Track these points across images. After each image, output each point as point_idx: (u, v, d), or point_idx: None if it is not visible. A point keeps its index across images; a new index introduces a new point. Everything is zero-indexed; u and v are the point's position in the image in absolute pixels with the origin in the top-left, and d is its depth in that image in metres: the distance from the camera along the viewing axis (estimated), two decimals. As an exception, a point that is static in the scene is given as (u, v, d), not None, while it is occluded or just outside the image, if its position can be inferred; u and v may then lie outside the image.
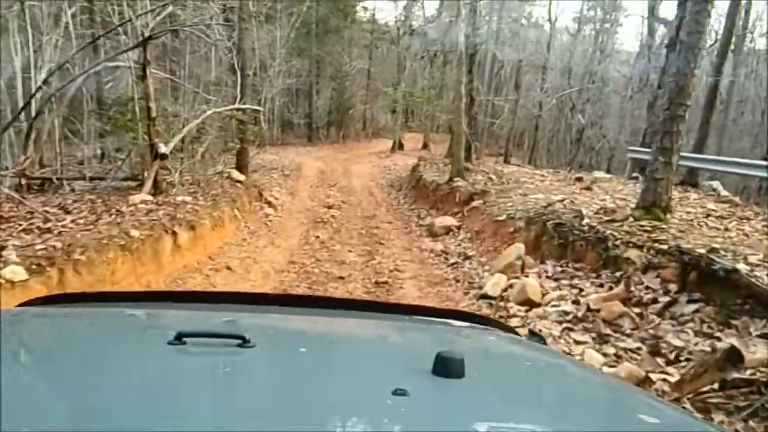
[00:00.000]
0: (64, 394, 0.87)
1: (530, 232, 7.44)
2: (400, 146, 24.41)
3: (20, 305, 1.56)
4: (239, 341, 1.02)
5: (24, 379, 0.95)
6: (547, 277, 6.35)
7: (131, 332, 1.29)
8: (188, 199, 7.69)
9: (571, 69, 26.10)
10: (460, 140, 11.48)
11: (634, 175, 15.16)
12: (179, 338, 1.01)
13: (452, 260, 8.02)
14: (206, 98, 10.67)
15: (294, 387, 0.97)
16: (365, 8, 30.83)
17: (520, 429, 0.90)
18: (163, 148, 7.58)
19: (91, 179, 8.92)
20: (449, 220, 9.92)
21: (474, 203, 10.17)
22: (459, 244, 8.79)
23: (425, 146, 25.48)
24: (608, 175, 14.44)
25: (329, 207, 12.17)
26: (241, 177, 10.76)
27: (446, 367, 0.96)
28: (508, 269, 6.66)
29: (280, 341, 1.27)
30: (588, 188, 11.31)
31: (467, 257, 8.07)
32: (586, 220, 6.82)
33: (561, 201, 7.85)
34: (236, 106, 9.58)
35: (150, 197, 7.34)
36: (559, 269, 6.47)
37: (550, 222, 7.02)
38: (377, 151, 24.03)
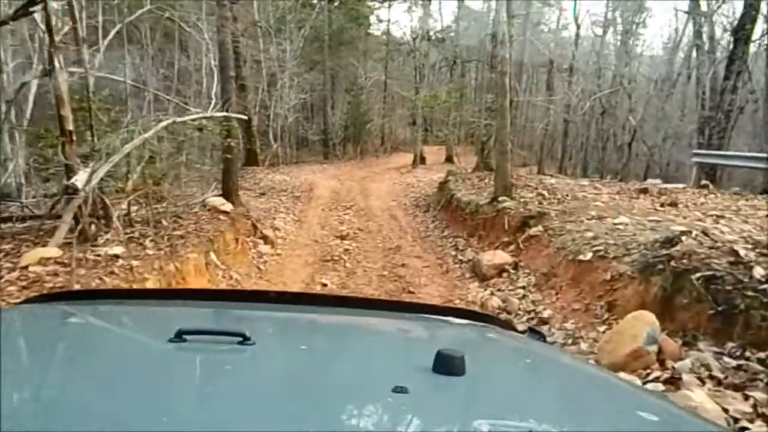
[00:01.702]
0: (65, 391, 0.82)
1: (649, 284, 4.44)
2: (422, 160, 21.48)
3: (22, 302, 1.50)
4: (240, 338, 0.96)
5: (25, 375, 0.88)
6: (716, 381, 3.36)
7: (132, 330, 1.25)
8: (121, 250, 4.83)
9: (600, 70, 23.03)
10: (505, 149, 8.49)
11: (703, 182, 12.07)
12: (180, 335, 0.95)
13: (520, 326, 5.04)
14: (184, 108, 7.86)
15: (294, 384, 0.93)
16: (379, 19, 28.06)
17: (520, 426, 0.82)
18: (79, 177, 4.76)
19: (16, 219, 6.15)
20: (501, 256, 6.93)
21: (531, 230, 7.20)
22: (523, 296, 5.80)
23: (449, 159, 22.53)
24: (679, 185, 11.32)
25: (342, 237, 9.27)
26: (227, 206, 7.90)
27: (447, 364, 0.90)
28: (635, 359, 3.67)
29: (281, 339, 1.21)
30: (673, 204, 8.27)
31: (542, 320, 5.09)
32: (759, 271, 3.81)
33: (688, 233, 4.83)
34: (208, 114, 6.74)
35: (57, 252, 4.50)
36: (732, 363, 3.46)
37: (696, 274, 4.00)
38: (397, 166, 21.13)
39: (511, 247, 7.26)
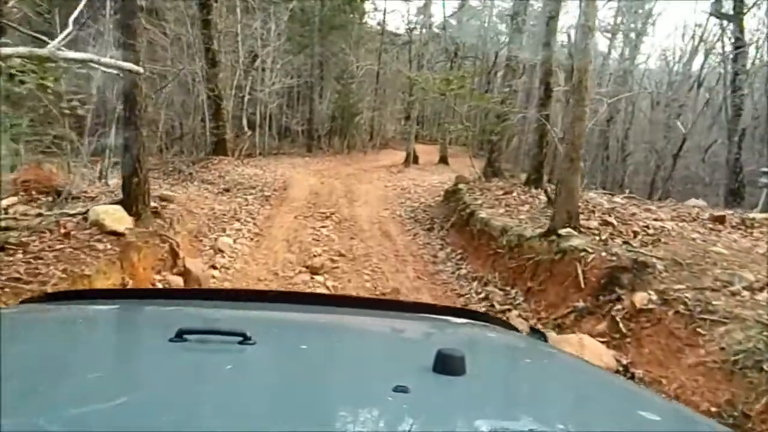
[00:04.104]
0: (64, 392, 0.75)
1: None
2: (415, 159, 18.04)
3: (22, 302, 1.40)
4: (240, 338, 0.88)
5: (25, 375, 0.80)
6: None
7: (132, 329, 1.17)
8: None
9: (611, 76, 19.81)
10: (577, 154, 4.94)
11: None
12: (180, 335, 0.88)
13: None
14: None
15: (295, 384, 0.85)
16: (376, 8, 24.40)
17: (521, 426, 0.76)
18: None
19: None
20: (594, 348, 3.52)
21: (635, 298, 3.84)
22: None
23: (443, 160, 19.11)
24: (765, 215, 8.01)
25: (314, 270, 5.81)
26: (123, 222, 4.37)
27: (447, 364, 0.83)
28: None
29: (281, 338, 1.09)
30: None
31: None
32: None
33: None
34: (44, 50, 3.10)
35: None
36: None
37: None
38: (387, 165, 17.67)
39: (601, 327, 3.88)
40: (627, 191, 13.98)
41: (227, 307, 1.30)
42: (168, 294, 1.65)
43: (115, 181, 8.04)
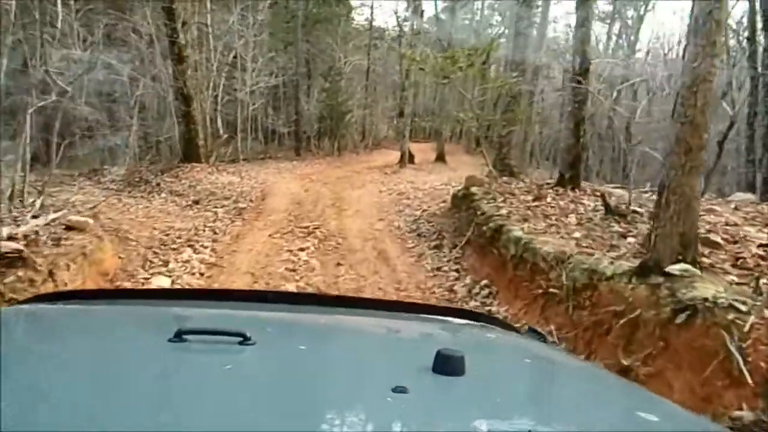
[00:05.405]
0: (63, 392, 0.70)
1: None
2: (410, 158, 15.95)
3: (20, 303, 1.34)
4: (239, 338, 0.83)
5: (23, 376, 0.74)
6: None
7: (131, 330, 1.08)
8: None
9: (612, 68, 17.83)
10: (698, 139, 2.89)
11: None
12: (179, 335, 0.82)
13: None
14: None
15: (294, 384, 0.80)
16: (362, 2, 22.28)
17: (520, 427, 0.72)
18: None
19: None
20: None
21: None
22: None
23: (440, 158, 17.08)
24: None
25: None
26: None
27: (446, 364, 0.78)
28: None
29: (281, 338, 1.03)
30: None
31: None
32: None
33: None
34: None
35: None
36: None
37: None
38: (381, 165, 15.57)
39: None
40: (648, 185, 11.93)
41: (227, 308, 1.22)
42: (167, 294, 1.59)
43: (33, 200, 5.97)
